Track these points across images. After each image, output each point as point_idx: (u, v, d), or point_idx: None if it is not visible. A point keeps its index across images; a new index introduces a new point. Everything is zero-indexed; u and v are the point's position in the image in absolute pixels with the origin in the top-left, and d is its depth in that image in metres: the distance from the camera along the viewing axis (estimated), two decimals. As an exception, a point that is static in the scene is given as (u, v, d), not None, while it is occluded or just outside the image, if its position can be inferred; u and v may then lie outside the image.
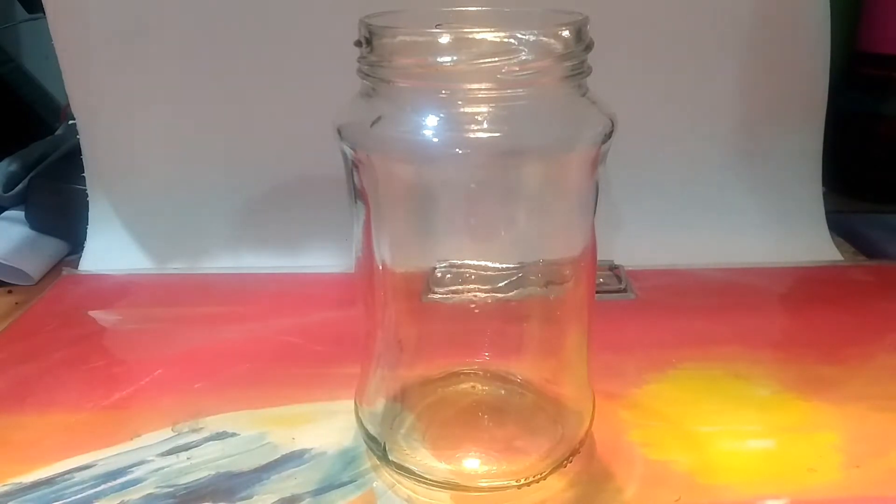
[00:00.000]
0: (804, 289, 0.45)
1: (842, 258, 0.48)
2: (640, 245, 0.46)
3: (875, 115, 0.56)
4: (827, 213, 0.49)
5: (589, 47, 0.25)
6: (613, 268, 0.45)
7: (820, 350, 0.37)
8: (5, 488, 0.29)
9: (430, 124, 0.24)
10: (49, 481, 0.29)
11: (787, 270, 0.46)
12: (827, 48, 0.46)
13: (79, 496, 0.28)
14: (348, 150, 0.26)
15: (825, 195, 0.49)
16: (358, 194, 0.27)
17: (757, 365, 0.36)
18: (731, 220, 0.48)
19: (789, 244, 0.48)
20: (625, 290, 0.44)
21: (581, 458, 0.30)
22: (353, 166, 0.27)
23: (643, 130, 0.46)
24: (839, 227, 0.50)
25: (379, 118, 0.25)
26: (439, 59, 0.24)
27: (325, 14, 0.44)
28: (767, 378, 0.35)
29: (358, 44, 0.25)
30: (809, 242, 0.48)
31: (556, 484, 0.28)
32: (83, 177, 0.48)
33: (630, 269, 0.45)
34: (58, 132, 0.57)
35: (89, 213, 0.48)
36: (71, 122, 0.48)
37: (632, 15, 0.45)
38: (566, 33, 0.25)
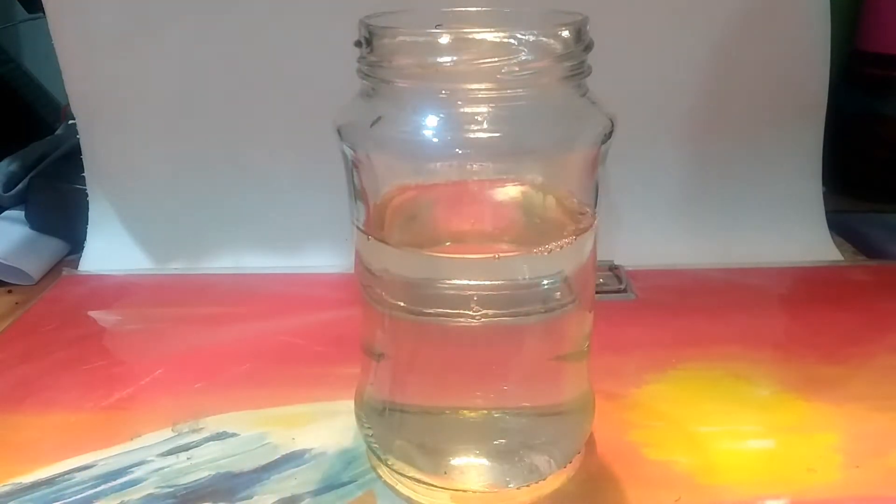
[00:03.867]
0: (804, 289, 0.45)
1: (842, 258, 0.48)
2: (640, 245, 0.46)
3: (875, 114, 0.56)
4: (827, 212, 0.49)
5: (589, 47, 0.25)
6: (613, 268, 0.45)
7: (820, 350, 0.37)
8: (5, 488, 0.29)
9: (430, 124, 0.24)
10: (49, 481, 0.29)
11: (787, 270, 0.46)
12: (827, 47, 0.46)
13: (79, 496, 0.28)
14: (348, 151, 0.26)
15: (825, 195, 0.49)
16: (358, 194, 0.27)
17: (757, 365, 0.36)
18: (731, 220, 0.48)
19: (789, 244, 0.48)
20: (625, 291, 0.44)
21: (581, 458, 0.30)
22: (353, 166, 0.27)
23: (643, 130, 0.46)
24: (839, 226, 0.50)
25: (379, 118, 0.25)
26: (439, 60, 0.24)
27: (326, 14, 0.44)
28: (767, 378, 0.35)
29: (358, 44, 0.25)
30: (809, 242, 0.48)
31: (556, 484, 0.28)
32: (83, 177, 0.48)
33: (630, 269, 0.45)
34: (58, 132, 0.57)
35: (89, 213, 0.48)
36: (71, 121, 0.48)
37: (630, 15, 0.45)
38: (566, 33, 0.24)
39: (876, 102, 0.56)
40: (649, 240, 0.47)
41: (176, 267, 0.47)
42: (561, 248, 0.26)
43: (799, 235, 0.48)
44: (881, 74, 0.55)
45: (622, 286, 0.44)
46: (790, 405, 0.33)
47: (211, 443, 0.31)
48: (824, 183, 0.49)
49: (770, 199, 0.49)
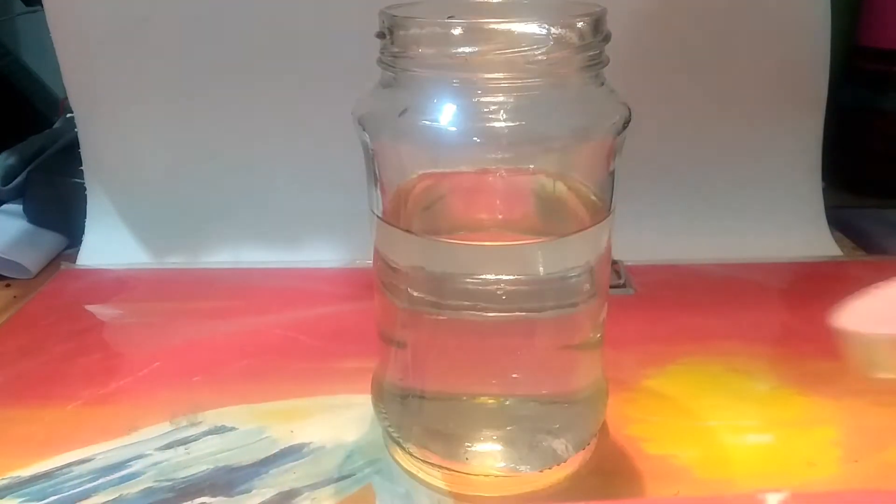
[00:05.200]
0: (803, 284, 0.45)
1: (841, 253, 0.48)
2: (639, 240, 0.46)
3: (875, 109, 0.56)
4: (826, 208, 0.49)
5: (607, 38, 0.25)
6: (612, 263, 0.45)
7: (819, 345, 0.37)
8: (4, 482, 0.29)
9: (452, 114, 0.25)
10: (47, 475, 0.29)
11: (787, 266, 0.46)
12: (827, 43, 0.46)
13: (77, 490, 0.28)
14: (369, 140, 0.26)
15: (824, 190, 0.49)
16: (377, 184, 0.27)
17: (756, 360, 0.36)
18: (730, 216, 0.48)
19: (788, 239, 0.48)
20: (624, 286, 0.44)
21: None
22: (372, 156, 0.27)
23: (641, 126, 0.46)
24: (838, 222, 0.50)
25: (405, 109, 0.25)
26: (463, 50, 0.24)
27: (324, 8, 0.43)
28: (766, 373, 0.35)
29: (380, 35, 0.25)
30: (809, 237, 0.48)
31: (554, 478, 0.28)
32: (81, 170, 0.48)
33: (629, 264, 0.45)
34: (56, 125, 0.56)
35: (87, 207, 0.48)
36: (69, 115, 0.48)
37: (629, 12, 0.44)
38: (585, 24, 0.25)
39: (876, 98, 0.56)
40: (648, 235, 0.47)
41: (174, 261, 0.47)
42: (589, 232, 0.26)
43: (798, 230, 0.48)
44: (881, 70, 0.55)
45: (621, 281, 0.44)
46: (789, 400, 0.33)
47: (209, 436, 0.31)
48: (824, 178, 0.49)
49: (769, 195, 0.49)
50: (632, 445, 0.30)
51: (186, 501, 0.28)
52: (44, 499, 0.28)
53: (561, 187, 0.27)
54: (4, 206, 0.52)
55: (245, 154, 0.47)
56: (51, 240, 0.49)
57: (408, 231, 0.27)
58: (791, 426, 0.32)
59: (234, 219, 0.48)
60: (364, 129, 0.26)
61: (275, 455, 0.30)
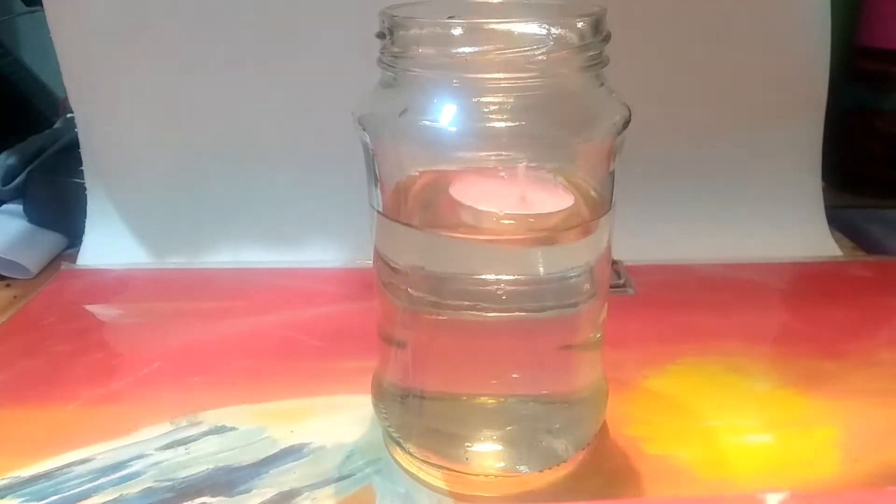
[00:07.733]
0: (803, 284, 0.45)
1: (841, 253, 0.48)
2: (639, 240, 0.46)
3: (875, 109, 0.56)
4: (826, 208, 0.49)
5: (606, 39, 0.26)
6: (613, 263, 0.45)
7: (819, 345, 0.37)
8: (4, 482, 0.29)
9: (452, 114, 0.25)
10: (47, 475, 0.29)
11: (787, 266, 0.46)
12: (827, 42, 0.46)
13: (77, 490, 0.28)
14: (369, 140, 0.26)
15: (824, 190, 0.49)
16: (377, 182, 0.27)
17: (756, 360, 0.36)
18: (730, 216, 0.48)
19: (788, 239, 0.48)
20: (624, 286, 0.44)
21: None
22: (373, 155, 0.27)
23: (642, 126, 0.46)
24: (838, 222, 0.50)
25: (406, 109, 0.25)
26: (463, 50, 0.24)
27: (323, 9, 0.44)
28: (766, 373, 0.35)
29: (380, 35, 0.25)
30: (809, 238, 0.48)
31: (554, 478, 0.28)
32: (81, 170, 0.48)
33: (629, 264, 0.45)
34: (56, 125, 0.57)
35: (87, 207, 0.48)
36: (69, 115, 0.48)
37: (630, 11, 0.44)
38: (585, 24, 0.25)
39: (876, 98, 0.56)
40: (648, 235, 0.47)
41: (174, 261, 0.47)
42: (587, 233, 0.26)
43: (798, 231, 0.48)
44: (881, 69, 0.55)
45: (621, 281, 0.44)
46: (789, 400, 0.33)
47: (210, 436, 0.31)
48: (823, 178, 0.49)
49: (769, 195, 0.49)
50: (632, 445, 0.30)
51: (186, 501, 0.28)
52: (44, 499, 0.28)
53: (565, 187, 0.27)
54: (4, 206, 0.52)
55: (245, 154, 0.47)
56: (51, 240, 0.49)
57: (408, 225, 0.27)
58: (791, 426, 0.32)
59: (234, 219, 0.48)
60: (364, 130, 0.26)
61: (275, 455, 0.30)
